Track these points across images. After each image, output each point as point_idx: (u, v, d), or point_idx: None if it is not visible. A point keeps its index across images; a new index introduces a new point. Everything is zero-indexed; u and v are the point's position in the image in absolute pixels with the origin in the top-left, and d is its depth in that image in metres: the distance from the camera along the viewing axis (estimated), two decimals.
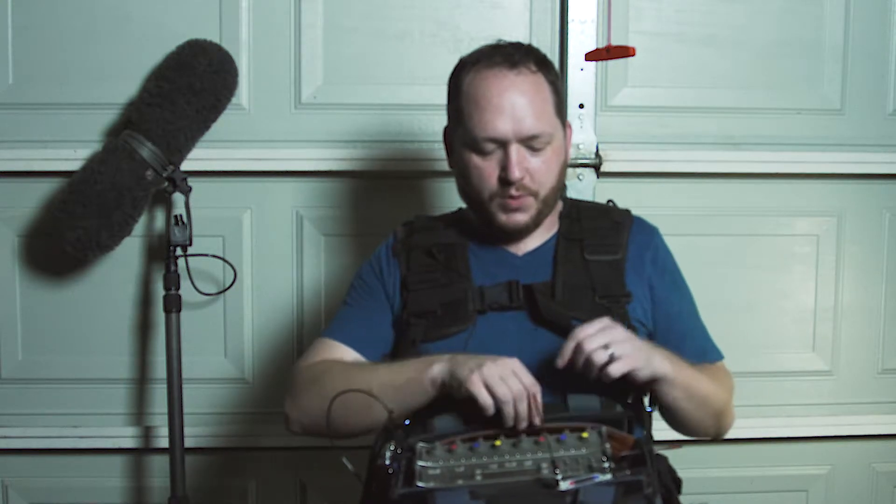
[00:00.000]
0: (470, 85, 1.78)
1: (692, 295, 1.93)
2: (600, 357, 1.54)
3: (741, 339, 2.60)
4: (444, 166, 1.96)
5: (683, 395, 1.69)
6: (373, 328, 1.85)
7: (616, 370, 1.54)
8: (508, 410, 1.52)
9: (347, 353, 1.81)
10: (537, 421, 1.53)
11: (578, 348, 1.55)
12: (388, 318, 1.86)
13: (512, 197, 1.77)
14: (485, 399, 1.51)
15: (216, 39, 2.46)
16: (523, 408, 1.52)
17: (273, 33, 2.52)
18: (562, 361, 1.57)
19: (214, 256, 2.53)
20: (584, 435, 1.49)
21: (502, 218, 1.81)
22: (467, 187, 1.84)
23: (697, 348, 1.79)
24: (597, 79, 2.56)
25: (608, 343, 1.55)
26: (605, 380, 1.55)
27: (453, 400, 1.59)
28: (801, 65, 2.63)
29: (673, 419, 1.77)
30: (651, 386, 1.65)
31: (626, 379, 1.59)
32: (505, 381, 1.52)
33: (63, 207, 2.35)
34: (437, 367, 1.60)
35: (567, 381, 1.60)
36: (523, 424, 1.52)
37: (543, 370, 1.60)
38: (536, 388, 1.54)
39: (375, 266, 1.92)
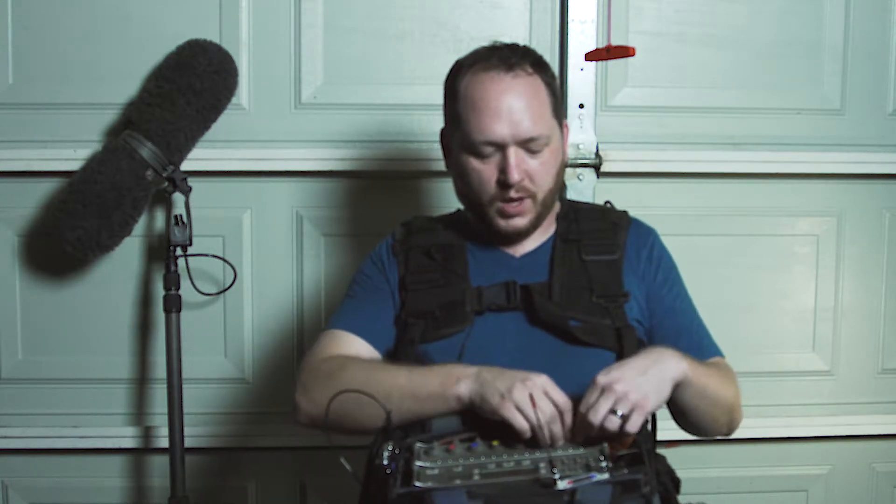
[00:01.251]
0: (467, 88, 1.78)
1: (688, 293, 1.92)
2: (613, 424, 1.49)
3: (741, 339, 2.61)
4: (444, 166, 1.95)
5: (698, 394, 1.66)
6: (380, 320, 1.84)
7: (633, 427, 1.49)
8: (544, 434, 1.49)
9: (358, 344, 1.80)
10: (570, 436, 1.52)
11: (587, 425, 1.51)
12: (392, 312, 1.86)
13: (511, 200, 1.77)
14: (521, 424, 1.49)
15: (216, 39, 2.46)
16: (558, 429, 1.50)
17: (273, 33, 2.52)
18: (580, 440, 1.53)
19: (214, 256, 2.53)
20: None
21: (501, 223, 1.81)
22: (465, 190, 1.84)
23: (693, 344, 1.78)
24: (597, 79, 2.56)
25: (613, 405, 1.49)
26: (627, 438, 1.50)
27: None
28: (801, 65, 2.63)
29: (687, 419, 1.75)
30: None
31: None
32: (537, 402, 1.50)
33: (63, 207, 2.35)
34: (464, 387, 1.57)
35: (566, 382, 1.60)
36: (560, 444, 1.50)
37: (541, 371, 1.59)
38: (568, 406, 1.53)
39: (378, 262, 1.92)
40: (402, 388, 1.61)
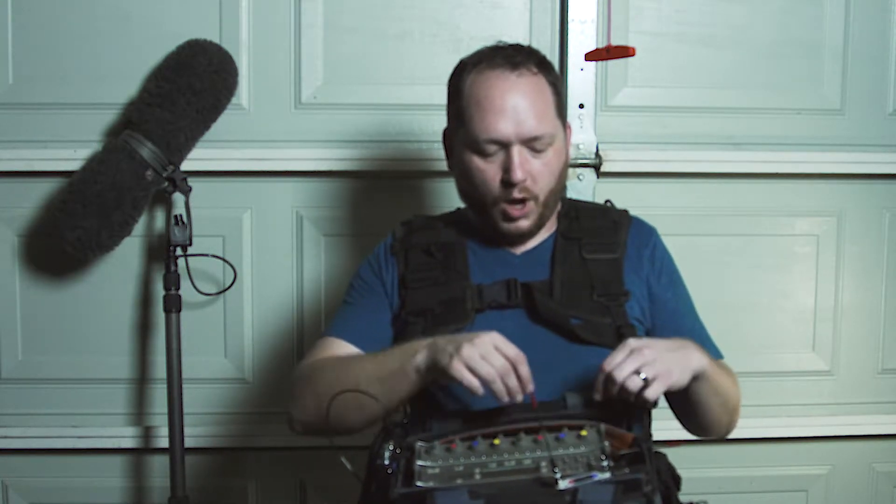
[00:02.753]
0: (472, 86, 1.78)
1: (690, 294, 1.93)
2: (635, 384, 1.50)
3: (741, 339, 2.61)
4: (444, 166, 1.95)
5: (712, 390, 1.67)
6: (374, 325, 1.85)
7: (653, 393, 1.51)
8: (498, 388, 1.50)
9: (350, 350, 1.80)
10: (531, 388, 1.53)
11: (610, 379, 1.52)
12: (388, 316, 1.86)
13: (514, 200, 1.77)
14: (470, 381, 1.50)
15: (216, 39, 2.46)
16: (512, 382, 1.51)
17: (273, 33, 2.52)
18: (598, 396, 1.55)
19: (214, 256, 2.53)
20: (583, 433, 1.48)
21: (504, 225, 1.81)
22: (469, 189, 1.83)
23: None
24: (597, 79, 2.56)
25: (639, 367, 1.51)
26: (644, 404, 1.53)
27: (450, 396, 1.59)
28: (801, 65, 2.63)
29: (695, 417, 1.76)
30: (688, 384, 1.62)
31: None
32: (486, 358, 1.51)
33: (63, 207, 2.35)
34: (419, 357, 1.59)
35: (567, 381, 1.60)
36: (518, 397, 1.51)
37: (541, 369, 1.59)
38: (521, 358, 1.53)
39: (374, 265, 1.92)
40: (368, 373, 1.63)
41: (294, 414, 1.76)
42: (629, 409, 1.55)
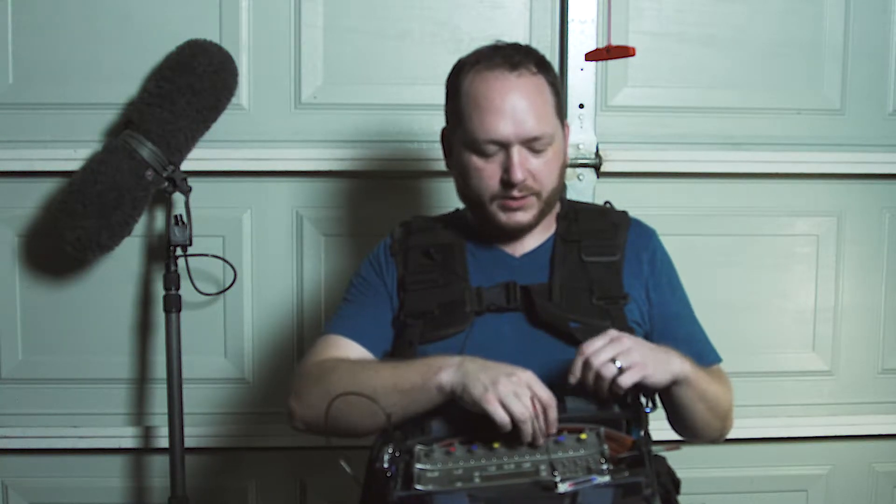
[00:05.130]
0: (470, 86, 1.77)
1: (688, 298, 1.93)
2: (609, 371, 1.52)
3: (741, 339, 2.61)
4: (444, 166, 1.95)
5: (698, 397, 1.68)
6: (377, 323, 1.84)
7: (626, 381, 1.52)
8: (527, 429, 1.49)
9: (354, 349, 1.79)
10: (553, 430, 1.52)
11: (587, 364, 1.54)
12: (390, 315, 1.85)
13: (513, 198, 1.77)
14: (502, 418, 1.48)
15: (216, 39, 2.46)
16: (542, 424, 1.50)
17: (273, 33, 2.52)
18: (573, 378, 1.56)
19: (214, 256, 2.53)
20: (583, 436, 1.49)
21: (503, 218, 1.80)
22: (467, 188, 1.83)
23: (695, 351, 1.77)
24: (597, 79, 2.56)
25: (615, 355, 1.53)
26: (617, 391, 1.54)
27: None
28: (801, 65, 2.63)
29: (683, 422, 1.76)
30: (669, 388, 1.64)
31: (645, 386, 1.59)
32: (520, 398, 1.49)
33: (63, 207, 2.35)
34: (446, 377, 1.57)
35: (565, 382, 1.60)
36: (541, 441, 1.50)
37: (540, 372, 1.59)
38: (552, 402, 1.52)
39: (375, 264, 1.91)
40: (386, 383, 1.61)
41: (297, 410, 1.73)
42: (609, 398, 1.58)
